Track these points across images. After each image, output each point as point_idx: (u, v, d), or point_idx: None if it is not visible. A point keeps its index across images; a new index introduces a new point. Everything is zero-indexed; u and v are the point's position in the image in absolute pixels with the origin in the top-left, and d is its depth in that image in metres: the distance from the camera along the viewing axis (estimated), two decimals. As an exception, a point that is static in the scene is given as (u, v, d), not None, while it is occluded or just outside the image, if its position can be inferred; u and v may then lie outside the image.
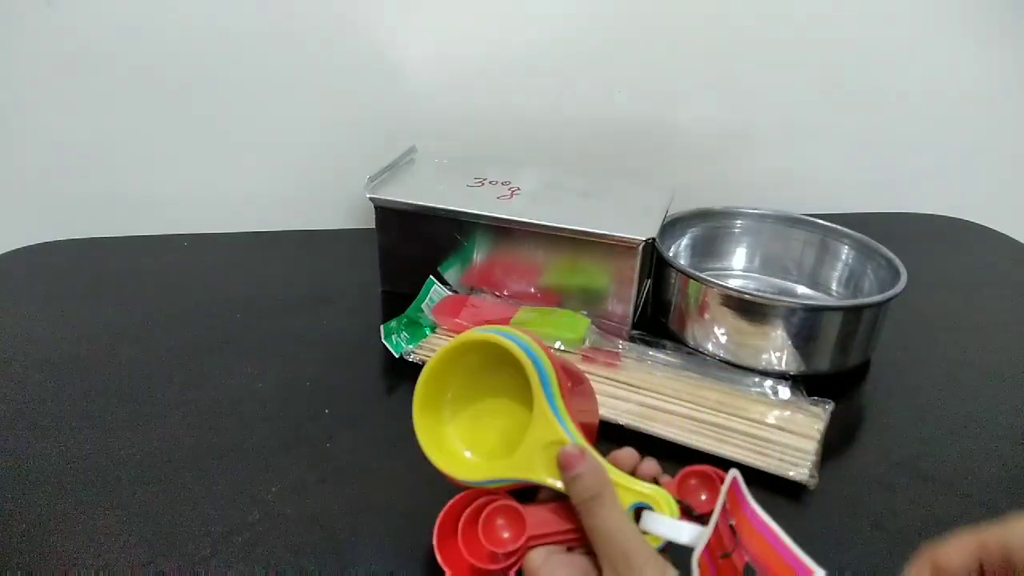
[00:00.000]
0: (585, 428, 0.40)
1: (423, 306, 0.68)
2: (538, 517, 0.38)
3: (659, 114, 0.90)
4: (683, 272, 0.64)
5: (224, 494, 0.49)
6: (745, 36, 0.87)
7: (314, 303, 0.73)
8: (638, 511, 0.36)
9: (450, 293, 0.70)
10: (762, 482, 0.51)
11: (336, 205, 0.89)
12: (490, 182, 0.73)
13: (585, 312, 0.67)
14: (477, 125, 0.88)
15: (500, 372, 0.41)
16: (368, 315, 0.71)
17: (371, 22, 0.81)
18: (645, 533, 0.35)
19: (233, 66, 0.80)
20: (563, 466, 0.36)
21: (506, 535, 0.38)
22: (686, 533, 0.35)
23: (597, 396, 0.49)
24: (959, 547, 0.31)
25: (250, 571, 0.43)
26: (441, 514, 0.40)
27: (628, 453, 0.39)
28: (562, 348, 0.63)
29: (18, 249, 0.82)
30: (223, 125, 0.84)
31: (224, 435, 0.54)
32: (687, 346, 0.65)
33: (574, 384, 0.44)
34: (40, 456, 0.52)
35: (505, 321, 0.65)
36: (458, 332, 0.64)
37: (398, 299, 0.70)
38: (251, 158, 0.86)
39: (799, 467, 0.51)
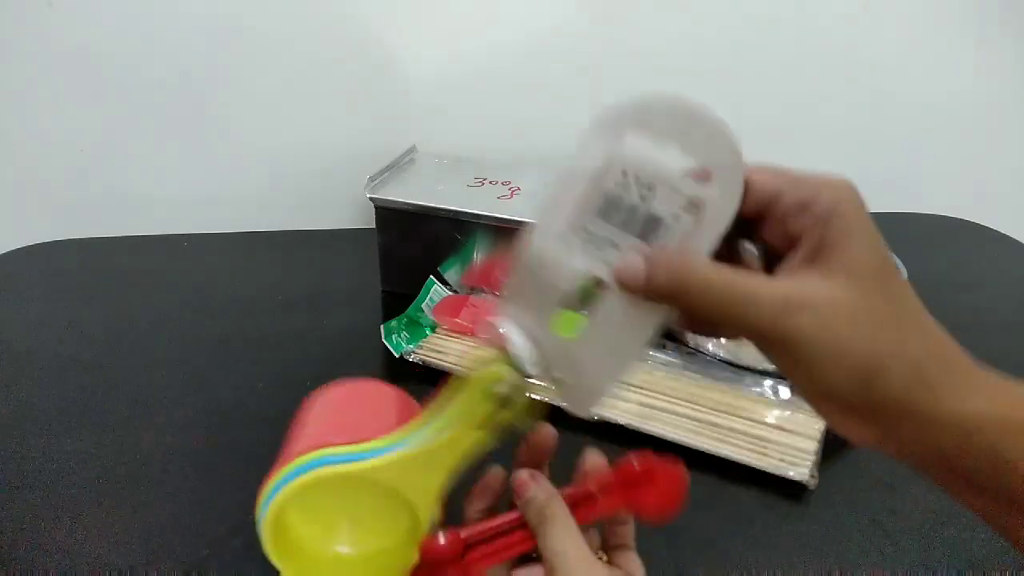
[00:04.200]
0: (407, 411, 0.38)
1: (423, 306, 0.68)
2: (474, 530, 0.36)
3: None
4: (683, 272, 0.64)
5: (224, 494, 0.49)
6: (745, 36, 0.87)
7: (314, 303, 0.73)
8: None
9: (450, 293, 0.70)
10: (762, 482, 0.51)
11: (336, 205, 0.89)
12: (490, 182, 0.73)
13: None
14: (477, 125, 0.88)
15: (330, 489, 0.37)
16: (368, 315, 0.71)
17: (372, 22, 0.81)
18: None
19: (233, 66, 0.80)
20: (515, 492, 0.36)
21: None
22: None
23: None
24: None
25: (249, 571, 0.43)
26: None
27: (548, 434, 0.38)
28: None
29: (18, 249, 0.82)
30: (223, 125, 0.84)
31: (224, 435, 0.54)
32: (687, 346, 0.65)
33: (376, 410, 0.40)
34: (40, 456, 0.52)
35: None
36: (458, 332, 0.65)
37: (398, 299, 0.70)
38: (251, 158, 0.86)
39: (799, 467, 0.51)
